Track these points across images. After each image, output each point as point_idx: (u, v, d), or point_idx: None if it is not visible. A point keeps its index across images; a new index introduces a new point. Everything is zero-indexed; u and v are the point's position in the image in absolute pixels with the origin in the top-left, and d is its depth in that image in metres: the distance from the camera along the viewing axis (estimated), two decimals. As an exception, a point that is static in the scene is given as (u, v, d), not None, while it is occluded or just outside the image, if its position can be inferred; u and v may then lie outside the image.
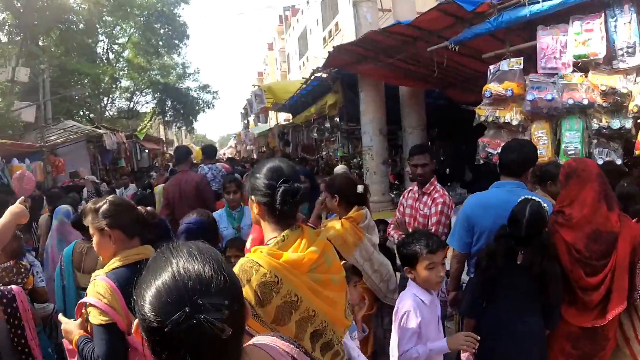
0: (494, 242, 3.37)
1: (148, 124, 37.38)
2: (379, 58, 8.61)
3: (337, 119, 13.30)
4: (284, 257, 2.08)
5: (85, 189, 11.81)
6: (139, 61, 33.22)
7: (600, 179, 3.33)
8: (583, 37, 4.69)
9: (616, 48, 4.54)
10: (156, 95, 35.32)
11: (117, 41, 32.47)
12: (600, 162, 4.55)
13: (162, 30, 32.43)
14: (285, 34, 54.67)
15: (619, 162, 4.73)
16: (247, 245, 3.66)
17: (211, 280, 1.11)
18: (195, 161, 31.32)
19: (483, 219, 3.72)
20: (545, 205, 3.24)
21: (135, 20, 30.21)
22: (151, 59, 33.45)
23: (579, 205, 3.32)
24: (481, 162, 5.76)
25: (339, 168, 8.80)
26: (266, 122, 25.35)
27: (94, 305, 2.34)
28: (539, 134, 5.12)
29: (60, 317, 2.70)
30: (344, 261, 3.03)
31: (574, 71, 4.82)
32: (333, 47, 9.22)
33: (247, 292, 1.95)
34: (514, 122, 5.31)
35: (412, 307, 2.99)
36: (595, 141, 4.80)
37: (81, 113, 26.60)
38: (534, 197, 3.30)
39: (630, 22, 4.43)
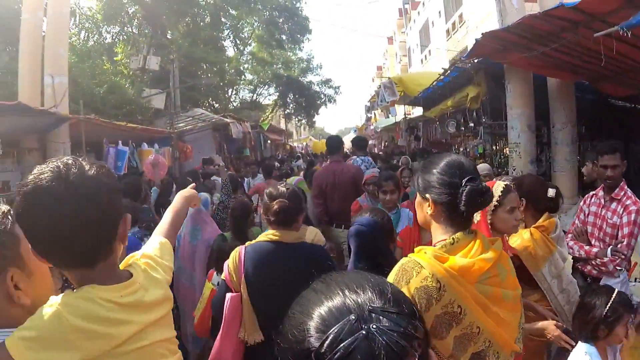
0: None
1: (270, 116, 37.85)
2: (532, 46, 7.73)
3: (476, 114, 12.28)
4: (450, 261, 1.89)
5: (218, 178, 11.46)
6: (262, 55, 33.87)
7: None
8: None
9: None
10: (279, 88, 35.74)
11: (241, 35, 33.15)
12: None
13: (285, 25, 32.79)
14: (406, 28, 53.97)
15: None
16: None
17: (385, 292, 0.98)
18: (313, 153, 32.39)
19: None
20: None
21: (259, 14, 30.69)
22: (274, 53, 34.03)
23: None
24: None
25: (482, 167, 7.99)
26: (388, 116, 24.67)
27: None
28: None
29: None
30: None
31: None
32: (482, 34, 8.32)
33: None
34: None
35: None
36: None
37: (207, 103, 27.24)
38: None
39: None
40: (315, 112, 38.83)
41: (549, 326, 2.89)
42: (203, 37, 25.56)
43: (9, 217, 1.42)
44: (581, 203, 4.80)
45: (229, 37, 32.27)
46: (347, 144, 15.88)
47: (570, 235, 4.60)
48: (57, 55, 10.58)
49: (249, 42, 34.27)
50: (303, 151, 44.97)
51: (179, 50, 21.15)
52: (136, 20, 22.86)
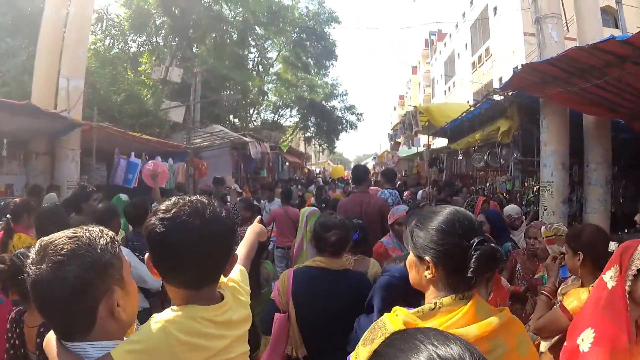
0: None
1: (290, 138, 37.51)
2: (572, 81, 7.33)
3: (506, 148, 11.67)
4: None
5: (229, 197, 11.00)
6: (287, 76, 33.68)
7: None
8: None
9: None
10: (301, 111, 35.56)
11: (267, 55, 33.12)
12: None
13: (311, 48, 32.75)
14: (431, 58, 54.26)
15: None
16: None
17: None
18: (331, 178, 32.01)
19: None
20: None
21: (286, 35, 30.69)
22: (299, 75, 33.82)
23: None
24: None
25: (512, 209, 7.44)
26: (411, 145, 24.19)
27: None
28: None
29: None
30: None
31: None
32: (521, 65, 7.92)
33: (363, 354, 1.68)
34: None
35: None
36: None
37: (228, 120, 26.99)
38: None
39: None
40: (335, 137, 38.39)
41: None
42: (229, 53, 25.36)
43: (116, 242, 1.59)
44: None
45: (255, 56, 32.15)
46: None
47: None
48: (76, 57, 10.22)
49: (274, 62, 34.15)
50: (320, 175, 44.67)
51: (203, 64, 20.89)
52: (163, 31, 22.71)
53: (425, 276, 1.79)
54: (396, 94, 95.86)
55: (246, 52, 29.91)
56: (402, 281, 2.61)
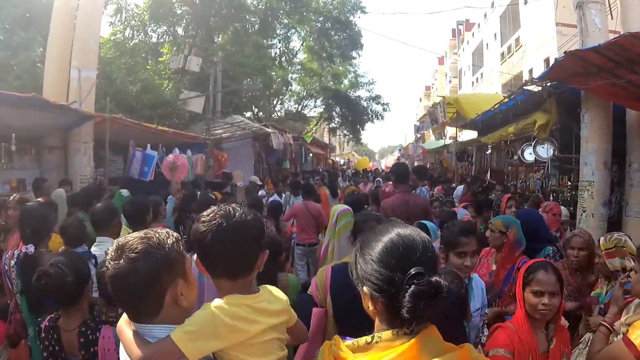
0: None
1: (314, 128, 37.12)
2: (618, 72, 6.90)
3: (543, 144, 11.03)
4: None
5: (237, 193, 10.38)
6: (312, 66, 33.30)
7: None
8: None
9: None
10: (326, 101, 35.18)
11: (290, 44, 32.81)
12: None
13: (336, 37, 32.24)
14: (458, 49, 53.35)
15: None
16: None
17: None
18: (354, 169, 31.60)
19: None
20: None
21: (310, 24, 30.32)
22: (325, 65, 33.45)
23: None
24: None
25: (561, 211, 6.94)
26: (441, 137, 23.45)
27: None
28: None
29: None
30: None
31: None
32: (565, 52, 7.35)
33: None
34: None
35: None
36: None
37: (249, 112, 26.68)
38: None
39: None
40: (361, 127, 37.89)
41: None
42: (251, 43, 24.98)
43: (180, 242, 1.90)
44: None
45: (278, 46, 31.78)
46: (390, 162, 14.84)
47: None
48: (87, 48, 9.94)
49: (298, 52, 33.79)
50: (345, 166, 44.30)
51: (224, 53, 20.53)
52: (184, 21, 22.40)
53: (369, 308, 1.57)
54: (422, 85, 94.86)
55: (269, 42, 29.48)
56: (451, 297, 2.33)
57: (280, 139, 19.45)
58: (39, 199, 6.65)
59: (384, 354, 1.45)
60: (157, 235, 1.82)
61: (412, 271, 1.40)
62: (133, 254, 1.72)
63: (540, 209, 5.50)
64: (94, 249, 4.28)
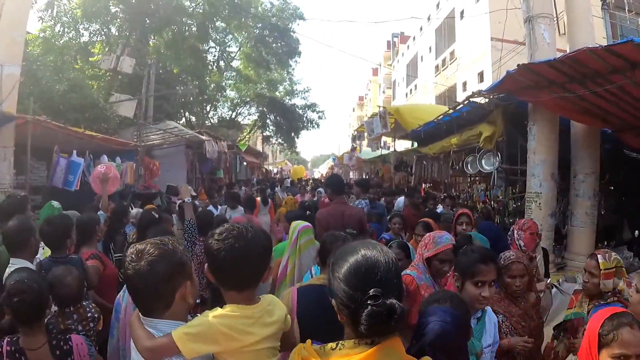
0: None
1: (247, 136, 36.66)
2: (570, 86, 7.08)
3: (484, 156, 11.01)
4: None
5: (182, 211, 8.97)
6: (248, 72, 32.95)
7: None
8: None
9: None
10: (260, 108, 34.92)
11: (227, 49, 32.27)
12: None
13: (274, 45, 31.93)
14: (393, 60, 54.07)
15: None
16: None
17: None
18: (290, 179, 31.31)
19: None
20: None
21: (249, 30, 29.95)
22: (261, 72, 33.19)
23: None
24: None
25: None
26: (378, 148, 23.42)
27: None
28: None
29: None
30: None
31: None
32: (518, 65, 7.32)
33: None
34: None
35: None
36: None
37: (183, 117, 25.99)
38: None
39: None
40: (296, 135, 37.68)
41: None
42: (187, 47, 24.37)
43: (185, 250, 2.19)
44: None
45: (215, 50, 31.30)
46: (324, 171, 14.53)
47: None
48: (12, 40, 9.12)
49: (235, 57, 33.36)
50: (278, 175, 44.01)
51: (157, 55, 19.84)
52: (118, 20, 21.57)
53: (340, 319, 1.74)
54: (356, 95, 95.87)
55: (206, 47, 29.09)
56: (455, 326, 2.34)
57: (214, 147, 19.05)
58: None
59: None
60: (170, 242, 2.13)
61: (371, 292, 1.55)
62: (151, 257, 2.01)
63: (516, 228, 5.17)
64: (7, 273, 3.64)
